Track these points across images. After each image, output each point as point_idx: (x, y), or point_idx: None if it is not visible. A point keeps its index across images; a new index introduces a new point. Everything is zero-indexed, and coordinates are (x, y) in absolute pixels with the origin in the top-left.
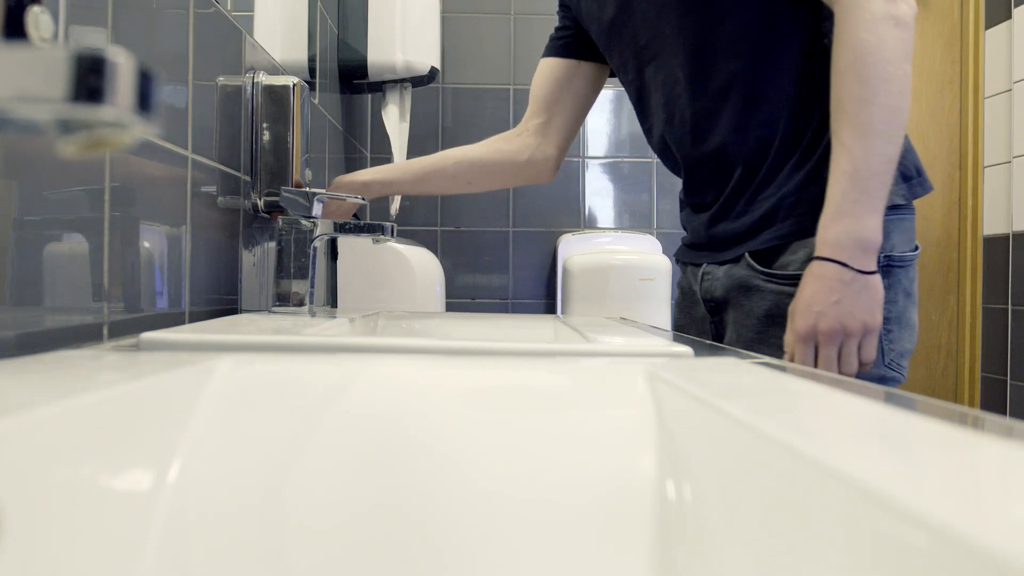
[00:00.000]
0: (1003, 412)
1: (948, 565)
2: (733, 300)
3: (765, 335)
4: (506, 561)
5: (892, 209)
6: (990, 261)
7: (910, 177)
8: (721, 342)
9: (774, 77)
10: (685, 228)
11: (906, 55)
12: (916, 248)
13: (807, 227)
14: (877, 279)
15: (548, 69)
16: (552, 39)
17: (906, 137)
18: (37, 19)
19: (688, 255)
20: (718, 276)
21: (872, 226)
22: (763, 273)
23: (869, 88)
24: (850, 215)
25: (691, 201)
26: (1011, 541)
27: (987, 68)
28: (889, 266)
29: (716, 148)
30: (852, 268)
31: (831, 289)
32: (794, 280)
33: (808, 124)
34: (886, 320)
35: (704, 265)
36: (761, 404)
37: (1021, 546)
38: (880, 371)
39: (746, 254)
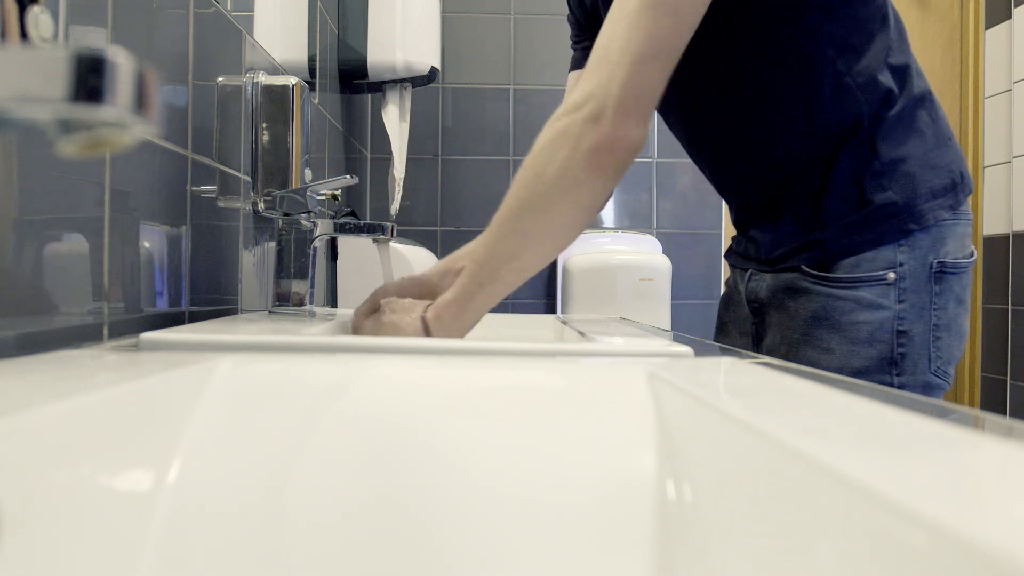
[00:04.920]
0: (1003, 412)
1: (948, 565)
2: (777, 302)
3: (811, 337)
4: (506, 560)
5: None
6: (990, 261)
7: (956, 184)
8: (761, 343)
9: (779, 105)
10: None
11: (539, 180)
12: (972, 254)
13: (856, 244)
14: None
15: (573, 83)
16: (572, 48)
17: (953, 140)
18: (37, 19)
19: (735, 259)
20: (765, 278)
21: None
22: (812, 276)
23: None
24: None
25: (732, 215)
26: (1011, 541)
27: (987, 68)
28: (943, 272)
29: (716, 171)
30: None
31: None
32: (844, 283)
33: (824, 146)
34: (935, 327)
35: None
36: (761, 404)
37: (1021, 546)
38: (926, 378)
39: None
